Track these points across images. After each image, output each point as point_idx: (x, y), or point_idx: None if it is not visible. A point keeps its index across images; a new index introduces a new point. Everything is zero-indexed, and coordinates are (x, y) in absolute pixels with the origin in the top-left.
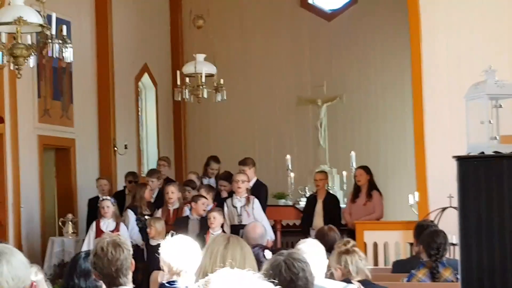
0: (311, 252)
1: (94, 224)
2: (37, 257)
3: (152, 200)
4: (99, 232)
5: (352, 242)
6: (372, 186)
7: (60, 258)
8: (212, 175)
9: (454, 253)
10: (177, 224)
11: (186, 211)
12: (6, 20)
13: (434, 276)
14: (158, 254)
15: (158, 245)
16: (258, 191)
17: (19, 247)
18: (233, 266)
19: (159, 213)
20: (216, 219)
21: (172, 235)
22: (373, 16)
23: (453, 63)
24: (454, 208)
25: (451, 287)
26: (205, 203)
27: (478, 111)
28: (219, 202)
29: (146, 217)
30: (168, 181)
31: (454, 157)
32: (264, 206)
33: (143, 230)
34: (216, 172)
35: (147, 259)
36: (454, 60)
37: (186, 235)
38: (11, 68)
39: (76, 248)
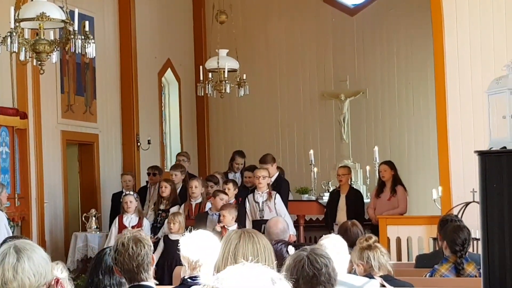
0: (333, 247)
1: (117, 219)
2: (60, 252)
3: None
4: (121, 227)
5: (374, 238)
6: (397, 181)
7: (83, 253)
8: (237, 170)
9: (477, 248)
10: (197, 219)
11: (208, 206)
12: (29, 16)
13: (457, 271)
14: (178, 249)
15: (177, 240)
16: (280, 186)
17: (43, 242)
18: (249, 261)
19: (181, 207)
20: (226, 216)
21: (190, 230)
22: (396, 10)
23: (475, 58)
24: (477, 202)
25: (474, 282)
26: (224, 199)
27: (500, 106)
28: (244, 194)
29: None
30: (189, 175)
31: (476, 152)
32: (286, 201)
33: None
34: (242, 167)
35: (165, 253)
36: (477, 55)
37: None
38: (34, 64)
39: (100, 243)
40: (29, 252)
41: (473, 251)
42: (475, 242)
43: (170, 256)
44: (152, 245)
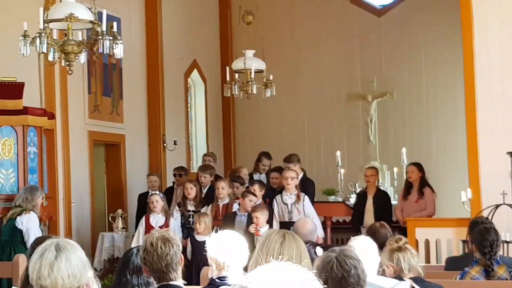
0: (363, 249)
1: (143, 219)
2: (87, 252)
3: (203, 196)
4: (148, 227)
5: (404, 239)
6: (424, 182)
7: (110, 254)
8: (263, 171)
9: (507, 251)
10: (225, 220)
11: (235, 207)
12: (57, 17)
13: (488, 273)
14: (205, 250)
15: (204, 242)
16: (305, 186)
17: None
18: (290, 261)
19: (208, 208)
20: (260, 218)
21: (217, 231)
22: (424, 11)
23: (506, 58)
24: (508, 205)
25: (505, 285)
26: (253, 200)
27: None
28: (270, 196)
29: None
30: (214, 176)
31: (508, 153)
32: (311, 202)
33: (184, 226)
34: (267, 168)
35: (192, 255)
36: (507, 55)
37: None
38: (62, 64)
39: (126, 243)
40: (69, 253)
41: (503, 254)
42: (505, 244)
43: (197, 257)
44: (180, 244)
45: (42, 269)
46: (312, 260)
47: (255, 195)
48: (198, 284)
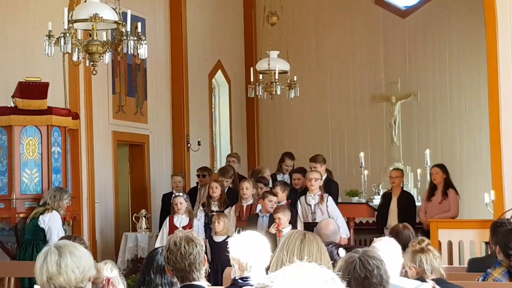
0: (387, 250)
1: (167, 220)
2: (111, 252)
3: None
4: (172, 228)
5: (426, 241)
6: (448, 184)
7: (134, 254)
8: (286, 172)
9: None
10: (249, 221)
11: (259, 208)
12: (82, 17)
13: (511, 275)
14: (224, 250)
15: (222, 242)
16: (329, 187)
17: (94, 242)
18: (310, 261)
19: (232, 209)
20: (281, 219)
21: (239, 232)
22: (449, 12)
23: None
24: None
25: None
26: (273, 200)
27: None
28: (293, 196)
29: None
30: (238, 177)
31: None
32: (335, 203)
33: (207, 226)
34: (290, 169)
35: (211, 255)
36: None
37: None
38: (87, 64)
39: (150, 243)
40: (70, 248)
41: None
42: None
43: (215, 257)
44: (204, 245)
45: (50, 270)
46: (335, 261)
47: (275, 195)
48: (216, 284)
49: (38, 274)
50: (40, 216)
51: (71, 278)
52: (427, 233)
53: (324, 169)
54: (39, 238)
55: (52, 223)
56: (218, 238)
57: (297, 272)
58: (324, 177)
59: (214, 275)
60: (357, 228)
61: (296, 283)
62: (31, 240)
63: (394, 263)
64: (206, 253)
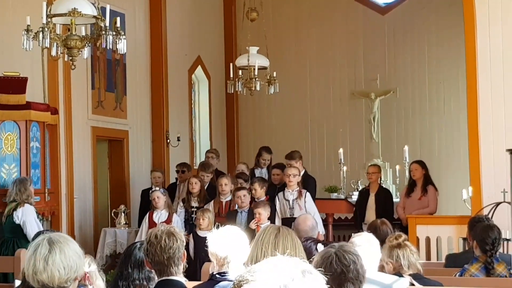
0: (365, 245)
1: (147, 215)
2: (89, 248)
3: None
4: (152, 224)
5: (403, 236)
6: (428, 180)
7: (113, 249)
8: (264, 166)
9: (507, 248)
10: (227, 217)
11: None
12: (61, 11)
13: (488, 271)
14: (206, 246)
15: (206, 237)
16: (306, 183)
17: (72, 237)
18: (285, 254)
19: (211, 205)
20: (262, 214)
21: (218, 227)
22: (428, 9)
23: (508, 56)
24: (508, 203)
25: (504, 282)
26: (241, 195)
27: None
28: (272, 192)
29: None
30: (217, 173)
31: (508, 150)
32: (313, 198)
33: (187, 222)
34: (268, 163)
35: (194, 250)
36: (509, 53)
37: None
38: (66, 59)
39: (129, 239)
40: (62, 245)
41: (503, 251)
42: (505, 242)
43: (200, 253)
44: (184, 240)
45: (37, 264)
46: (313, 256)
47: (244, 189)
48: (199, 280)
49: (26, 265)
50: (14, 213)
51: (55, 276)
52: (405, 229)
53: (301, 165)
54: (18, 234)
55: (26, 217)
56: (202, 234)
57: (276, 264)
58: (302, 173)
59: (200, 271)
60: (336, 224)
61: (275, 276)
62: (10, 238)
63: (372, 258)
64: (187, 249)
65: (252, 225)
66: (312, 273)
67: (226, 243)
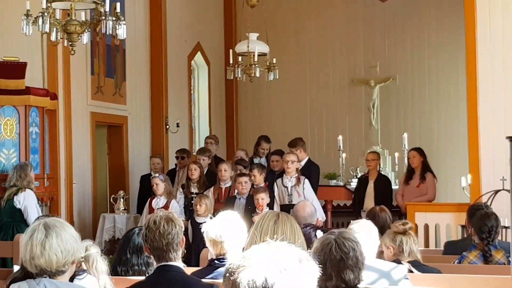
0: (363, 232)
1: (148, 201)
2: (88, 233)
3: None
4: (152, 210)
5: (410, 224)
6: (426, 168)
7: (111, 235)
8: (262, 155)
9: (506, 236)
10: (226, 203)
11: (236, 190)
12: None
13: (486, 258)
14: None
15: (204, 223)
16: (310, 170)
17: (71, 223)
18: (283, 240)
19: (211, 191)
20: (264, 200)
21: (213, 215)
22: None
23: (508, 45)
24: (507, 190)
25: (502, 270)
26: (242, 181)
27: None
28: (271, 178)
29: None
30: (216, 159)
31: (508, 137)
32: (316, 186)
33: (187, 208)
34: (267, 152)
35: (192, 236)
36: (509, 42)
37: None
38: (65, 44)
39: (127, 224)
40: (58, 229)
41: (502, 239)
42: (504, 230)
43: (196, 239)
44: (183, 226)
45: (34, 249)
46: (312, 242)
47: (246, 175)
48: (198, 266)
49: (23, 251)
50: (14, 197)
51: (52, 260)
52: (404, 217)
53: (304, 152)
54: (17, 219)
55: (27, 202)
56: (200, 220)
57: (272, 251)
58: (305, 160)
59: (196, 257)
60: (334, 211)
61: (271, 262)
62: (9, 222)
63: (370, 245)
64: (186, 234)
65: (256, 218)
66: (308, 261)
67: (223, 228)
